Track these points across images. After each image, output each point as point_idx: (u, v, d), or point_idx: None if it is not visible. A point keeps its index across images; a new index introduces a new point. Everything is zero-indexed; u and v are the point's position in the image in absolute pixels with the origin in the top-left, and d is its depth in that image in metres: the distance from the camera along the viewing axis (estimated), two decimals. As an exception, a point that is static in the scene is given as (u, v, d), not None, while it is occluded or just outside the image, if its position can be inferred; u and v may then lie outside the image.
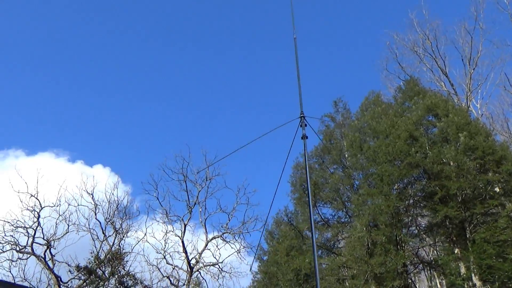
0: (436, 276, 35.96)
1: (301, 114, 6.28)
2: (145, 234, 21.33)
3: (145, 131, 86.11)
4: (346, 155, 33.07)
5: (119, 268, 18.10)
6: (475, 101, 38.85)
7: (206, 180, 23.28)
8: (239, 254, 23.28)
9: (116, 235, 20.46)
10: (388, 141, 27.10)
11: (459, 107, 29.70)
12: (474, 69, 38.11)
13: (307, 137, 6.11)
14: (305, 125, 6.26)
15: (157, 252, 22.76)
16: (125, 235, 20.19)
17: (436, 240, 30.70)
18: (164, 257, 22.60)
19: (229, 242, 23.19)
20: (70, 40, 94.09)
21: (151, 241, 29.99)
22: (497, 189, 26.80)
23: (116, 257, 18.14)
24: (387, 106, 32.53)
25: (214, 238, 23.28)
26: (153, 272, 21.07)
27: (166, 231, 23.08)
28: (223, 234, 23.28)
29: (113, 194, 21.55)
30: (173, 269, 22.42)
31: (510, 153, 25.29)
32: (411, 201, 28.23)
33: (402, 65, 41.18)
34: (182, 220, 22.57)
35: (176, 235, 22.64)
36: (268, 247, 36.65)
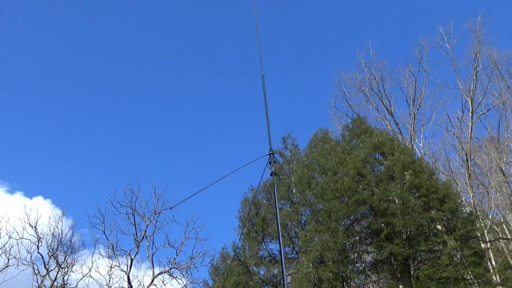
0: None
1: (270, 151, 6.42)
2: (90, 269, 20.76)
3: (91, 161, 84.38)
4: (294, 191, 33.51)
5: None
6: (418, 141, 40.39)
7: (155, 214, 22.99)
8: (185, 289, 22.99)
9: (59, 269, 19.85)
10: (336, 178, 27.64)
11: (404, 146, 30.72)
12: (417, 109, 39.76)
13: (276, 174, 6.25)
14: (274, 162, 6.40)
15: (101, 288, 22.18)
16: (69, 270, 19.60)
17: (380, 277, 31.23)
18: (108, 293, 22.05)
19: (176, 277, 22.87)
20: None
21: (95, 276, 29.19)
22: (439, 227, 27.70)
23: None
24: (335, 144, 33.30)
25: (161, 273, 22.93)
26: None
27: (111, 265, 22.60)
28: (170, 269, 22.96)
29: (57, 227, 20.96)
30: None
31: (452, 192, 26.27)
32: (357, 237, 28.75)
33: (350, 104, 42.48)
34: (129, 254, 22.14)
35: (122, 270, 22.16)
36: (213, 282, 36.31)
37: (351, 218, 28.22)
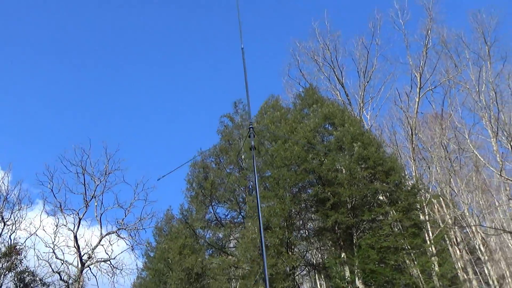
0: (321, 278, 37.69)
1: (249, 125, 6.54)
2: (37, 228, 20.49)
3: (41, 122, 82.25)
4: (243, 157, 33.87)
5: (16, 263, 17.27)
6: (366, 113, 41.38)
7: (105, 174, 22.81)
8: (133, 251, 23.09)
9: (4, 226, 19.52)
10: (286, 146, 28.06)
11: (354, 118, 31.41)
12: (368, 82, 40.56)
13: (255, 148, 6.40)
14: (254, 136, 6.54)
15: (46, 246, 22.01)
16: (16, 228, 19.31)
17: (323, 244, 32.26)
18: (54, 251, 21.92)
19: (124, 238, 22.91)
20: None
21: (41, 234, 28.77)
22: (381, 198, 28.77)
23: (13, 252, 17.29)
24: (286, 111, 33.68)
25: (108, 233, 22.93)
26: (43, 267, 20.33)
27: (57, 224, 22.39)
28: (118, 229, 22.97)
29: (3, 183, 20.52)
30: (62, 264, 21.79)
31: (398, 165, 27.24)
32: (303, 205, 29.48)
33: (303, 72, 42.85)
34: (77, 214, 21.98)
35: (69, 229, 22.00)
36: (156, 243, 36.50)
37: (299, 186, 28.82)
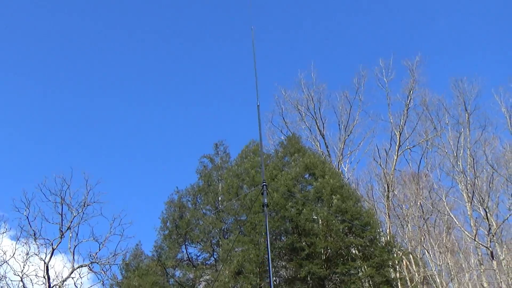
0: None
1: (263, 182, 6.82)
2: (12, 255, 20.28)
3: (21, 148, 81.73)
4: (220, 199, 34.06)
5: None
6: (344, 166, 42.17)
7: (83, 206, 22.78)
8: (103, 286, 22.89)
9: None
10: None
11: (334, 170, 32.03)
12: (348, 135, 41.60)
13: (267, 206, 6.64)
14: (267, 194, 6.82)
15: (15, 274, 21.72)
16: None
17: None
18: (22, 280, 21.62)
19: (96, 272, 22.73)
20: None
21: (11, 262, 28.26)
22: (355, 252, 29.15)
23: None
24: (267, 158, 34.22)
25: (81, 266, 22.70)
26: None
27: (28, 252, 22.15)
28: (91, 263, 22.78)
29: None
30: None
31: (374, 220, 27.77)
32: (277, 252, 29.64)
33: (286, 121, 43.68)
34: (52, 243, 21.80)
35: (41, 258, 21.77)
36: (123, 278, 35.99)
37: (275, 233, 29.06)
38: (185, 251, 32.42)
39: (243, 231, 29.71)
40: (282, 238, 29.72)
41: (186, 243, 32.45)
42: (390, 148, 39.79)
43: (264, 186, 6.80)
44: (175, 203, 33.49)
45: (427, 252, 34.54)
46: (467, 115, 35.11)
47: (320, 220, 28.01)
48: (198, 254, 33.43)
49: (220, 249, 31.48)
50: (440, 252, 32.89)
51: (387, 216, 35.80)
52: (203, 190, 34.50)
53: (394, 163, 38.28)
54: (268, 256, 6.17)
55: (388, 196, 36.54)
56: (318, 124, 42.20)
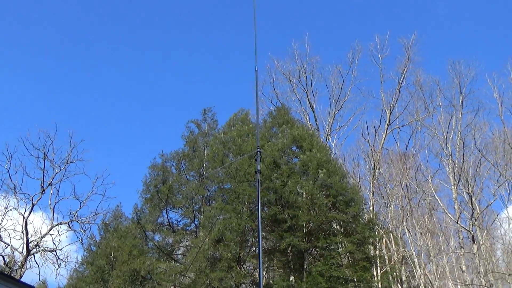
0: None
1: (257, 148, 6.60)
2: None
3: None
4: (205, 166, 33.86)
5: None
6: (331, 141, 42.07)
7: (66, 163, 22.45)
8: (82, 244, 22.73)
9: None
10: (251, 162, 28.23)
11: (322, 144, 31.91)
12: (338, 110, 41.44)
13: (260, 172, 6.46)
14: (261, 160, 6.61)
15: (-8, 227, 21.49)
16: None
17: (273, 265, 32.49)
18: (-1, 234, 21.42)
19: (75, 231, 22.56)
20: None
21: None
22: (336, 226, 29.28)
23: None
24: (254, 127, 33.96)
25: (60, 223, 22.52)
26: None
27: (7, 206, 21.90)
28: (70, 221, 22.58)
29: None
30: (7, 247, 21.28)
31: (359, 197, 27.79)
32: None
33: (276, 91, 43.34)
34: (32, 199, 21.53)
35: (20, 213, 21.52)
36: (101, 239, 35.89)
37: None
38: (166, 216, 32.31)
39: (226, 199, 29.68)
40: (265, 209, 29.71)
41: (167, 208, 32.28)
42: (379, 126, 39.77)
43: (258, 153, 6.57)
44: (158, 167, 33.16)
45: (408, 232, 34.86)
46: (461, 97, 35.08)
47: (305, 193, 27.99)
48: (179, 220, 33.35)
49: (202, 216, 31.41)
50: (421, 233, 33.18)
51: (371, 194, 35.93)
52: (188, 156, 34.23)
53: (382, 141, 38.30)
54: (259, 224, 6.00)
55: (374, 174, 36.62)
56: (308, 97, 42.00)
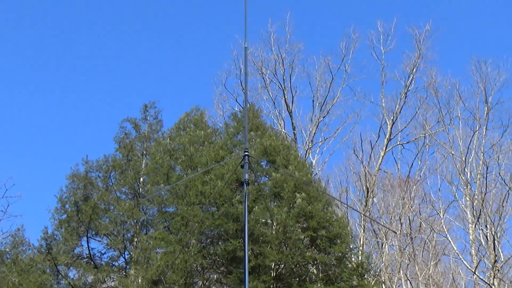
0: None
1: (245, 151, 6.77)
2: None
3: None
4: (142, 180, 33.96)
5: None
6: (311, 156, 42.62)
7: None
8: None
9: None
10: (207, 179, 28.54)
11: (301, 160, 32.42)
12: (324, 116, 42.06)
13: (247, 183, 6.62)
14: (247, 163, 6.79)
15: None
16: None
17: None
18: None
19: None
20: None
21: None
22: (314, 270, 29.73)
23: None
24: (212, 132, 34.28)
25: None
26: None
27: None
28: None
29: None
30: None
31: (347, 232, 28.31)
32: (212, 261, 29.89)
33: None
34: None
35: None
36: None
37: (213, 234, 29.29)
38: (86, 245, 32.19)
39: (170, 227, 29.83)
40: (219, 243, 29.96)
41: (88, 235, 32.18)
42: (376, 141, 40.61)
43: (246, 157, 6.77)
44: (80, 178, 33.14)
45: (408, 282, 35.58)
46: (486, 108, 35.99)
47: (275, 224, 28.34)
48: (103, 251, 33.28)
49: (135, 248, 31.46)
50: (425, 285, 33.90)
51: (362, 230, 36.57)
52: (120, 166, 34.24)
53: (380, 161, 39.10)
54: (245, 255, 6.17)
55: (366, 204, 37.32)
56: (286, 97, 42.50)
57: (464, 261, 33.27)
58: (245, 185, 6.65)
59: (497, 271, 31.31)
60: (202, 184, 28.46)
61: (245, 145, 7.61)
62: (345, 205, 38.16)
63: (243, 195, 28.06)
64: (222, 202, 27.83)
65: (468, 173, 33.65)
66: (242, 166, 6.96)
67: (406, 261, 35.49)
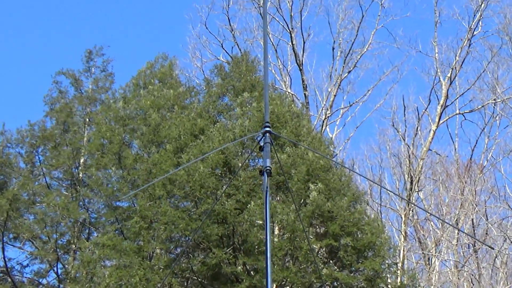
0: None
1: (265, 125, 6.31)
2: None
3: None
4: (83, 161, 33.71)
5: None
6: (330, 130, 42.22)
7: None
8: None
9: None
10: (182, 160, 28.20)
11: (317, 135, 32.09)
12: (349, 71, 41.67)
13: (269, 171, 6.19)
14: (270, 144, 6.34)
15: None
16: None
17: None
18: None
19: None
20: None
21: None
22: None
23: None
24: (186, 92, 33.93)
25: None
26: None
27: None
28: None
29: None
30: None
31: (383, 241, 28.06)
32: (187, 279, 29.69)
33: (233, 26, 43.23)
34: None
35: None
36: None
37: (188, 241, 29.02)
38: (1, 254, 32.03)
39: (124, 230, 29.61)
40: (197, 254, 29.79)
41: (4, 239, 32.07)
42: (426, 109, 40.20)
43: (267, 134, 6.30)
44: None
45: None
46: None
47: (279, 228, 28.15)
48: (25, 263, 33.20)
49: (72, 258, 31.30)
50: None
51: (403, 237, 36.35)
52: (52, 139, 34.00)
53: (430, 139, 38.72)
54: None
55: (409, 198, 37.00)
56: (294, 42, 41.90)
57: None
58: (265, 175, 6.10)
59: None
60: (173, 166, 28.09)
61: (265, 116, 7.02)
62: (378, 201, 37.82)
63: (234, 186, 27.86)
64: (203, 196, 27.47)
65: None
66: (261, 149, 6.40)
67: (466, 284, 35.31)
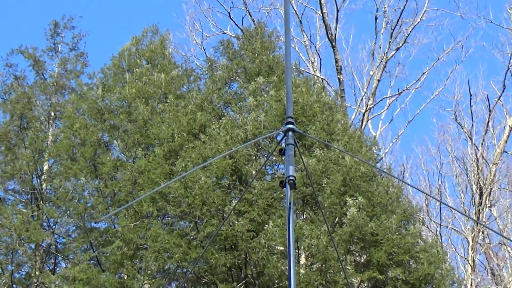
0: None
1: (287, 120, 6.29)
2: None
3: None
4: (47, 167, 33.87)
5: None
6: (372, 126, 42.35)
7: None
8: None
9: None
10: (178, 168, 28.29)
11: (355, 132, 32.11)
12: (398, 49, 41.78)
13: (293, 181, 6.11)
14: (294, 145, 6.31)
15: None
16: None
17: None
18: None
19: None
20: None
21: None
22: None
23: None
24: (183, 76, 34.07)
25: None
26: None
27: None
28: None
29: None
30: None
31: (445, 273, 28.01)
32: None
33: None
34: None
35: None
36: None
37: (187, 274, 29.13)
38: None
39: (101, 259, 29.75)
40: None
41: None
42: (499, 97, 40.17)
43: (289, 132, 6.23)
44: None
45: None
46: None
47: (303, 257, 28.19)
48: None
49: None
50: None
51: (471, 266, 36.33)
52: (6, 138, 34.20)
53: (505, 137, 38.67)
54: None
55: (478, 216, 37.01)
56: (324, 11, 41.95)
57: None
58: (288, 187, 5.99)
59: None
60: (164, 177, 28.17)
61: (288, 108, 6.97)
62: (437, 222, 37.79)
63: (246, 200, 27.87)
64: (206, 215, 27.49)
65: None
66: (282, 152, 6.32)
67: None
